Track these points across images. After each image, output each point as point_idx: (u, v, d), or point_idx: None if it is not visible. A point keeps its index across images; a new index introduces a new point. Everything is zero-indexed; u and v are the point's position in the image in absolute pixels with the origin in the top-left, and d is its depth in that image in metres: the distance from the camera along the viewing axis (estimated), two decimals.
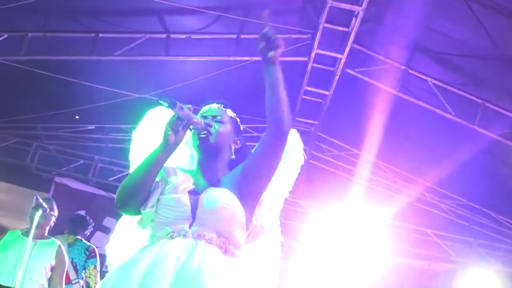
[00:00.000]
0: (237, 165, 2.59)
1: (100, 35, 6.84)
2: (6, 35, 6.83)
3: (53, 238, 5.27)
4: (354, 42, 6.50)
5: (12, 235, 5.17)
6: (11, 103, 8.44)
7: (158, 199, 2.42)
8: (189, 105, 2.41)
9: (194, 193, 2.42)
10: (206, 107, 2.66)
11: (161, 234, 2.37)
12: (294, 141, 2.82)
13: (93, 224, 6.45)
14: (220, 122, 2.58)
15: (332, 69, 7.07)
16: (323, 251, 9.68)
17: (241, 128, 2.72)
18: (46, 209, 4.80)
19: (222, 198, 2.39)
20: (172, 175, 2.47)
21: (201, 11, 6.65)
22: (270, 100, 2.37)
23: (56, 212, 5.31)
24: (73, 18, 6.78)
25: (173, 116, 2.38)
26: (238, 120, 2.71)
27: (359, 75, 6.99)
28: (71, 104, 8.20)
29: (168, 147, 2.38)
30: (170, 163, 2.49)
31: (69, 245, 5.79)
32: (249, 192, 2.46)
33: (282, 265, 2.77)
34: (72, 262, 5.77)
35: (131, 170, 2.62)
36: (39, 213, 4.68)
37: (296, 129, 8.26)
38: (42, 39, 6.86)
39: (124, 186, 2.41)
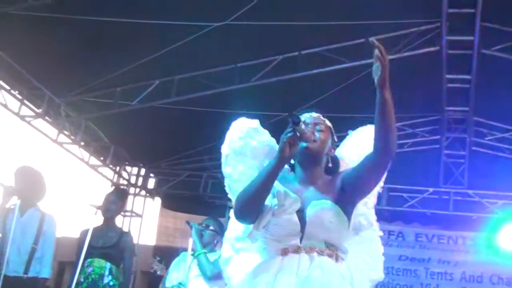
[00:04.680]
0: (331, 171, 2.74)
1: (238, 64, 7.35)
2: (157, 82, 7.60)
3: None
4: (482, 21, 6.33)
5: (184, 255, 5.68)
6: (176, 141, 9.26)
7: (269, 220, 2.57)
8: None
9: (301, 209, 2.57)
10: (307, 115, 2.75)
11: (274, 250, 2.58)
12: None
13: None
14: (321, 131, 2.70)
15: (468, 52, 6.89)
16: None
17: (335, 137, 2.82)
18: (198, 228, 5.22)
19: (327, 212, 2.54)
20: (282, 196, 2.57)
21: (327, 24, 6.91)
22: (379, 125, 2.42)
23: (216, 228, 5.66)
24: (212, 55, 7.32)
25: (288, 131, 2.46)
26: (333, 130, 2.81)
27: (496, 53, 6.73)
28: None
29: (283, 160, 2.49)
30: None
31: None
32: (350, 201, 2.60)
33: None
34: None
35: (225, 183, 2.82)
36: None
37: (450, 119, 8.16)
38: (188, 80, 7.53)
39: (242, 198, 2.55)
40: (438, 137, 9.22)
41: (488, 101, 8.06)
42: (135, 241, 9.91)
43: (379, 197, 9.28)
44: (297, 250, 2.52)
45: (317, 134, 2.68)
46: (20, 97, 7.55)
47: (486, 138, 9.06)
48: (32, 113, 7.80)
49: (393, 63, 7.65)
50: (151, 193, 10.81)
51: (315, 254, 2.51)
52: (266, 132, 2.86)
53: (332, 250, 2.55)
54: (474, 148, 9.15)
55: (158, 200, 10.93)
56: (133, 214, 10.48)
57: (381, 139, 2.43)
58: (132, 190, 10.58)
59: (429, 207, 9.47)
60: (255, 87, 7.42)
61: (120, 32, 6.61)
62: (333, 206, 2.56)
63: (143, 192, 10.76)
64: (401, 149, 9.34)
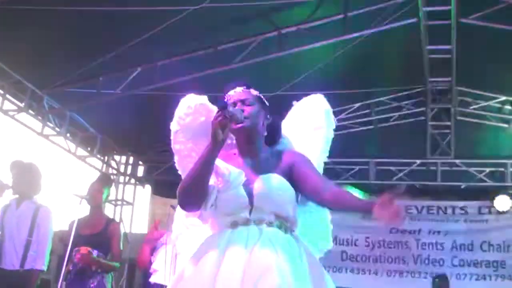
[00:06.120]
0: (271, 138, 2.78)
1: (219, 47, 7.33)
2: (139, 69, 7.58)
3: None
4: None
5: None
6: (163, 128, 9.16)
7: (216, 197, 2.58)
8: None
9: (248, 183, 2.59)
10: (231, 93, 2.75)
11: (223, 224, 2.59)
12: (322, 105, 2.89)
13: None
14: (249, 105, 2.69)
15: (447, 22, 6.90)
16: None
17: (267, 103, 2.79)
18: None
19: (275, 185, 2.58)
20: (226, 172, 2.59)
21: (305, 1, 6.92)
22: (338, 208, 2.62)
23: None
24: (192, 38, 7.30)
25: (218, 115, 2.48)
26: (262, 96, 2.79)
27: (475, 22, 6.73)
28: None
29: (218, 145, 2.50)
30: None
31: None
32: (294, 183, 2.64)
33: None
34: None
35: (175, 160, 2.81)
36: None
37: (434, 90, 8.20)
38: (170, 65, 7.52)
39: (184, 189, 2.54)
40: (423, 109, 9.28)
41: (470, 70, 8.12)
42: (127, 230, 9.97)
43: (367, 171, 9.32)
44: (246, 222, 2.55)
45: (247, 109, 2.67)
46: (1, 91, 7.52)
47: (471, 107, 9.13)
48: (15, 107, 7.78)
49: (373, 37, 7.61)
50: (141, 181, 10.83)
51: (264, 226, 2.53)
52: (215, 108, 2.76)
53: (282, 221, 2.58)
54: (459, 117, 9.21)
55: (148, 188, 10.95)
56: (124, 203, 10.51)
57: (328, 207, 2.67)
58: (121, 178, 10.60)
59: (417, 179, 9.54)
60: (237, 69, 7.40)
61: (98, 20, 6.58)
62: (280, 180, 2.60)
63: (132, 181, 10.78)
64: (387, 123, 9.42)
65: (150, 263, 5.91)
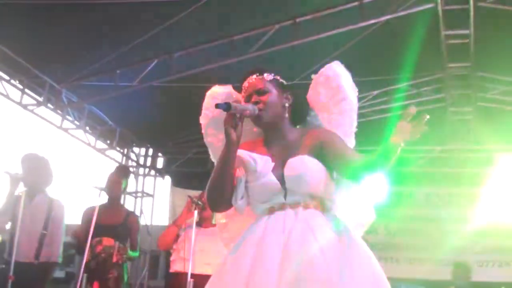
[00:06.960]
0: (297, 117, 2.75)
1: (234, 37, 7.31)
2: (156, 60, 7.59)
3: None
4: None
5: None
6: (181, 119, 9.23)
7: (247, 187, 2.60)
8: (238, 99, 2.61)
9: (278, 168, 2.58)
10: (245, 84, 2.71)
11: (260, 211, 2.61)
12: (342, 74, 2.80)
13: None
14: (264, 92, 2.66)
15: (465, 6, 6.80)
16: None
17: (284, 82, 2.76)
18: (199, 204, 5.20)
19: (303, 167, 2.55)
20: (252, 162, 2.59)
21: None
22: (374, 169, 2.42)
23: None
24: (208, 29, 7.29)
25: (226, 115, 2.48)
26: (278, 77, 2.75)
27: (493, 5, 6.64)
28: None
29: (232, 144, 2.50)
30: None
31: None
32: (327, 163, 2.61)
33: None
34: None
35: (210, 153, 2.86)
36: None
37: (453, 75, 8.07)
38: (187, 56, 7.51)
39: (210, 192, 2.59)
40: (442, 95, 9.17)
41: (489, 55, 7.98)
42: (148, 222, 10.04)
43: None
44: (282, 207, 2.55)
45: (262, 99, 2.63)
46: (20, 86, 7.60)
47: (491, 93, 8.99)
48: (34, 102, 7.85)
49: (390, 23, 7.48)
50: (161, 173, 10.90)
51: (300, 208, 2.53)
52: (240, 96, 2.78)
53: (318, 202, 2.57)
54: (479, 103, 9.09)
55: (168, 179, 11.02)
56: (144, 195, 10.58)
57: (363, 176, 2.49)
58: (141, 170, 10.66)
59: (438, 166, 9.47)
60: (253, 59, 7.37)
61: (114, 13, 6.61)
62: (310, 160, 2.57)
63: (152, 172, 10.84)
64: None
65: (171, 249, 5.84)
